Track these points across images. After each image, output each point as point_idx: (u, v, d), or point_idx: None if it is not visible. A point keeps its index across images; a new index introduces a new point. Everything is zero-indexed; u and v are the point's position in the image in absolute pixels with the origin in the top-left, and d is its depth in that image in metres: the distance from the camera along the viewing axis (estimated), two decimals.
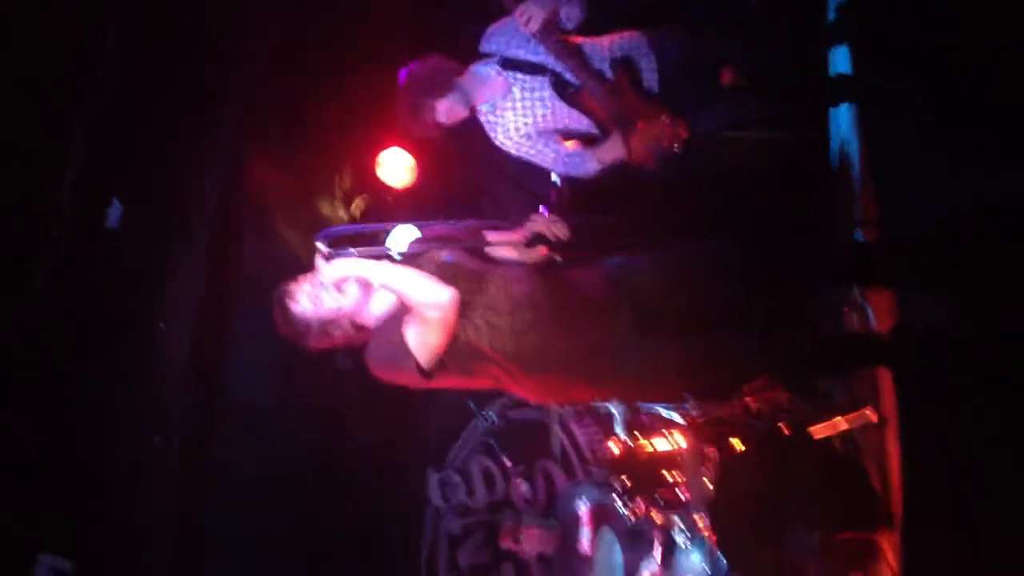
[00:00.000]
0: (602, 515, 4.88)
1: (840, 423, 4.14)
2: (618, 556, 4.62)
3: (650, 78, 4.00)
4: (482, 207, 5.67)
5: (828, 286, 4.10)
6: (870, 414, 4.02)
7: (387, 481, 6.02)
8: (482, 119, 4.17)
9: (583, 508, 5.00)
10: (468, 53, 4.25)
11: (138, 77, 4.35)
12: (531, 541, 5.39)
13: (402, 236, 5.04)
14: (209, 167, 5.02)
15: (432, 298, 3.03)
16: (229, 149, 5.18)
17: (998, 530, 3.01)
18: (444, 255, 3.28)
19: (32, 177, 3.89)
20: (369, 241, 5.35)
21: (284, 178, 5.47)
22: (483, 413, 5.80)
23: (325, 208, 5.88)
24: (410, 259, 3.28)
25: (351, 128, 5.76)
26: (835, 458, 4.02)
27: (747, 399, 4.23)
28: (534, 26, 3.78)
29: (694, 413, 4.45)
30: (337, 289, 3.15)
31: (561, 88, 3.99)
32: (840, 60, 4.61)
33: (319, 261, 3.10)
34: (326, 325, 3.17)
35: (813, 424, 4.19)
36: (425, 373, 3.10)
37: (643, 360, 3.17)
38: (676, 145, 3.89)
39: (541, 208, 4.57)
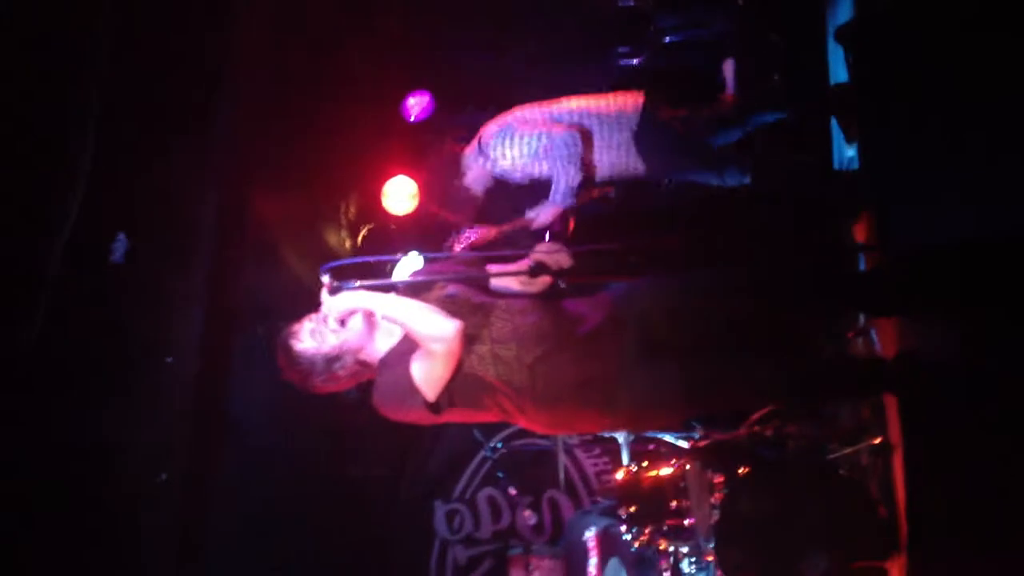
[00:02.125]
0: (609, 543, 4.87)
1: (846, 449, 4.13)
2: None
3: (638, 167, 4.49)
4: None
5: (833, 312, 4.09)
6: (876, 440, 4.01)
7: (393, 512, 6.00)
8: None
9: (590, 536, 4.99)
10: (467, 78, 4.50)
11: (136, 106, 4.36)
12: (542, 571, 5.38)
13: (407, 267, 5.07)
14: (211, 197, 5.02)
15: (437, 330, 3.01)
16: (231, 180, 5.19)
17: (1006, 556, 2.99)
18: (448, 289, 3.27)
19: (32, 210, 3.89)
20: (374, 273, 5.38)
21: (288, 209, 5.48)
22: (489, 443, 5.80)
23: (329, 237, 5.90)
24: (414, 292, 3.27)
25: (354, 157, 5.79)
26: (842, 485, 4.00)
27: (753, 425, 4.24)
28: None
29: (700, 440, 4.45)
30: (340, 324, 3.12)
31: None
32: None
33: (323, 294, 3.09)
34: (331, 363, 3.12)
35: (819, 450, 4.18)
36: (433, 408, 3.06)
37: (650, 387, 3.14)
38: None
39: (546, 236, 4.66)
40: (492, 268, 3.44)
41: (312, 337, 3.12)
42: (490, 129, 4.51)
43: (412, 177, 5.73)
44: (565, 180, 4.31)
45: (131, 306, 4.45)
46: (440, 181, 4.59)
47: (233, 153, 5.19)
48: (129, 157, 4.34)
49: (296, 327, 3.15)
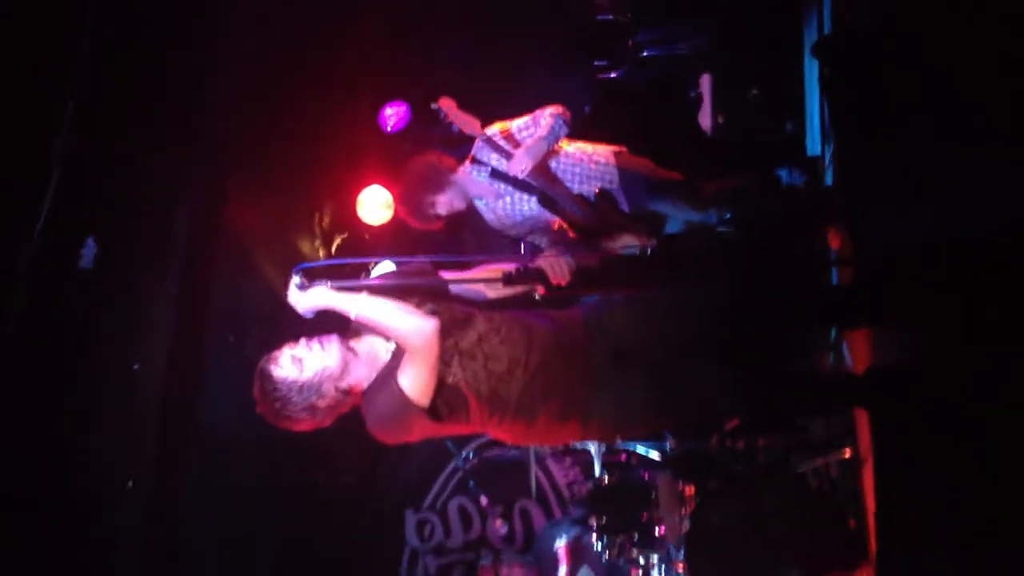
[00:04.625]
0: (580, 553, 4.87)
1: (817, 461, 4.16)
2: None
3: (621, 202, 4.48)
4: (463, 242, 5.67)
5: (804, 325, 4.12)
6: (846, 452, 4.04)
7: (364, 521, 5.97)
8: (477, 205, 4.60)
9: (561, 546, 4.99)
10: (445, 89, 4.46)
11: (111, 110, 4.33)
12: None
13: (384, 271, 5.06)
14: (184, 203, 4.99)
15: (413, 324, 2.95)
16: (204, 186, 5.16)
17: (974, 567, 3.01)
18: (428, 306, 3.20)
19: (2, 212, 3.85)
20: (348, 277, 5.34)
21: (262, 216, 5.46)
22: (461, 452, 5.78)
23: (303, 246, 5.88)
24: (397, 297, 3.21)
25: (329, 166, 5.78)
26: (812, 496, 4.02)
27: (724, 437, 4.25)
28: (526, 172, 4.26)
29: (672, 450, 4.47)
30: (320, 347, 3.02)
31: (547, 202, 4.42)
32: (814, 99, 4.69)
33: (292, 290, 3.02)
34: (310, 391, 2.99)
35: (790, 462, 4.20)
36: (432, 413, 2.98)
37: (620, 398, 3.15)
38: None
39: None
40: (448, 276, 3.38)
41: (293, 364, 3.00)
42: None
43: (387, 187, 5.73)
44: (550, 130, 4.24)
45: (100, 311, 4.40)
46: (414, 192, 4.51)
47: (208, 160, 5.18)
48: (103, 161, 4.31)
49: (276, 353, 3.03)
